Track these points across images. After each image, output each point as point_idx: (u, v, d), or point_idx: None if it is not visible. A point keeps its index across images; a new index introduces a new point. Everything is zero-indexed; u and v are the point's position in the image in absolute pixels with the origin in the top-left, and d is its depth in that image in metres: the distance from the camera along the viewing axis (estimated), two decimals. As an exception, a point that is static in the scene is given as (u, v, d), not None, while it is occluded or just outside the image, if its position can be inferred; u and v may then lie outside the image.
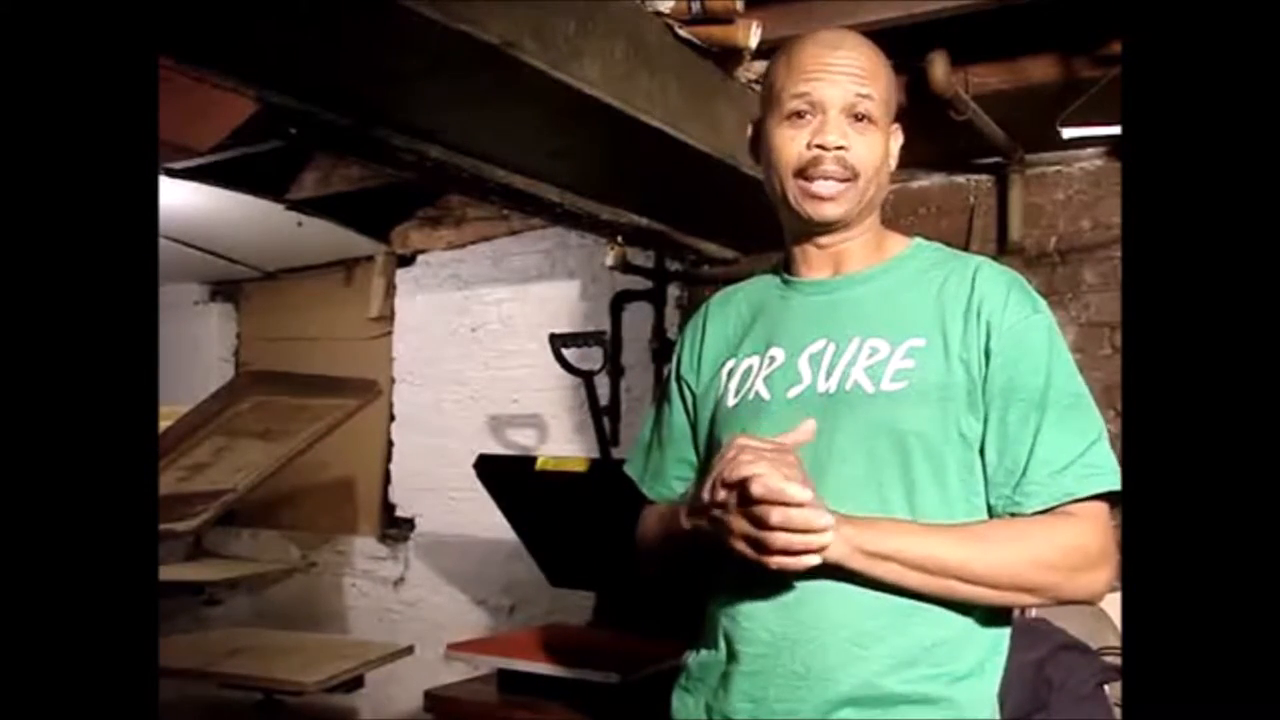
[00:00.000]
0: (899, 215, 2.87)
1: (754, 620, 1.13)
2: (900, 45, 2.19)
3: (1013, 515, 1.10)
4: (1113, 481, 1.09)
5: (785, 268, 1.28)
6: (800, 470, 1.03)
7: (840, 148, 1.15)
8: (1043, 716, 1.82)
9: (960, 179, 2.76)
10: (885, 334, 1.15)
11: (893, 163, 1.22)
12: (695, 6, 1.65)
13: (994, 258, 2.60)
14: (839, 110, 1.16)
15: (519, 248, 3.43)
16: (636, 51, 1.54)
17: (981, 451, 1.12)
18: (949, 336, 1.14)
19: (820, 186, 1.16)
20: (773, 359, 1.20)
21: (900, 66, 2.28)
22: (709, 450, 1.23)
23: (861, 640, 1.08)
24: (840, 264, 1.23)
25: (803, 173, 1.17)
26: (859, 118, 1.16)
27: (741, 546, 1.03)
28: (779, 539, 0.99)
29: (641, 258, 2.92)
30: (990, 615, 1.13)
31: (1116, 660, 1.94)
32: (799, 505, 0.98)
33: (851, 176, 1.16)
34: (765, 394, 1.19)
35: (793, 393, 1.17)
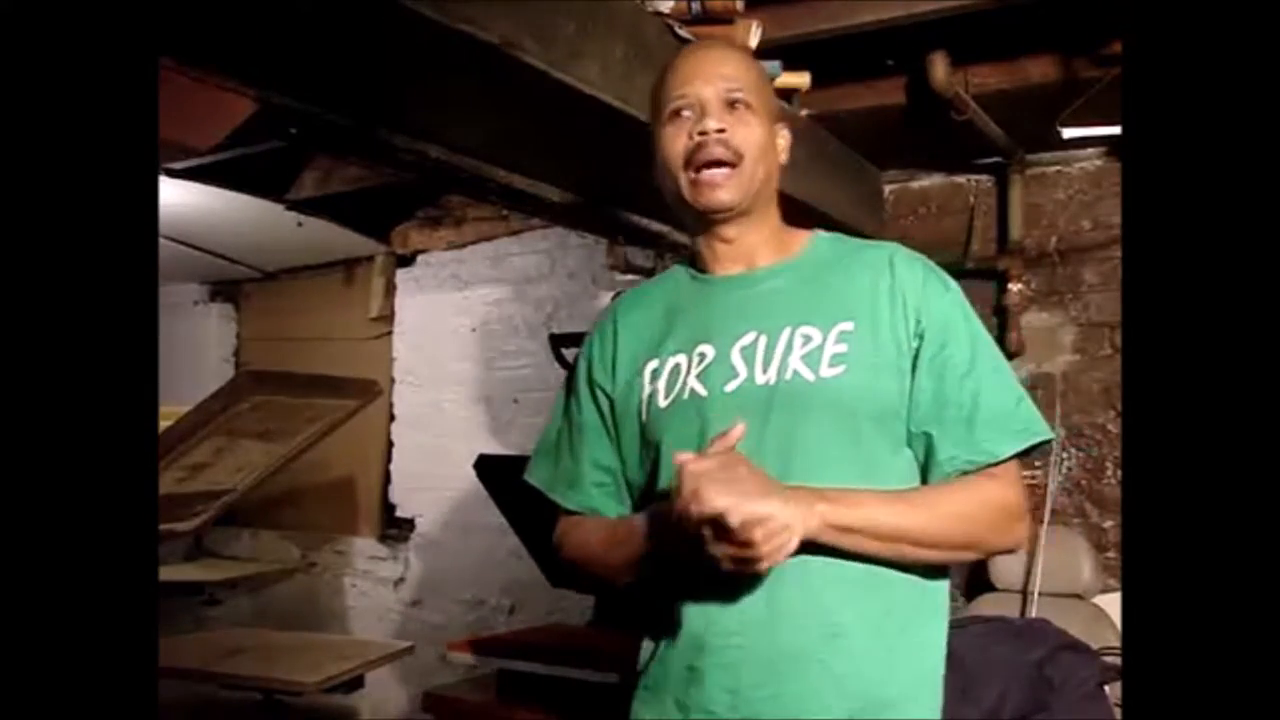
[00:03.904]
0: (899, 215, 2.87)
1: (722, 610, 1.14)
2: (900, 45, 2.20)
3: (964, 475, 1.16)
4: (1046, 432, 1.18)
5: (694, 266, 1.31)
6: (754, 474, 1.06)
7: (720, 130, 1.20)
8: (1043, 717, 1.82)
9: (960, 179, 2.76)
10: (815, 321, 1.19)
11: (783, 157, 1.29)
12: (695, 6, 1.65)
13: (995, 256, 2.64)
14: (715, 102, 1.21)
15: (519, 248, 3.44)
16: (636, 51, 1.54)
17: (924, 421, 1.18)
18: (877, 317, 1.19)
19: (707, 175, 1.21)
20: (703, 355, 1.21)
21: (900, 66, 2.31)
22: (641, 453, 1.25)
23: (830, 615, 1.12)
24: (752, 259, 1.27)
25: (690, 163, 1.21)
26: (734, 104, 1.21)
27: (729, 566, 1.05)
28: (764, 550, 1.02)
29: (641, 258, 2.92)
30: (932, 572, 1.20)
31: (1116, 660, 1.95)
32: (772, 518, 1.02)
33: (735, 160, 1.21)
34: (701, 390, 1.20)
35: (730, 386, 1.18)
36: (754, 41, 1.69)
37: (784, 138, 1.30)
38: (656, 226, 2.37)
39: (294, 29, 1.30)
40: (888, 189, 2.86)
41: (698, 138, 1.21)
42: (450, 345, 3.57)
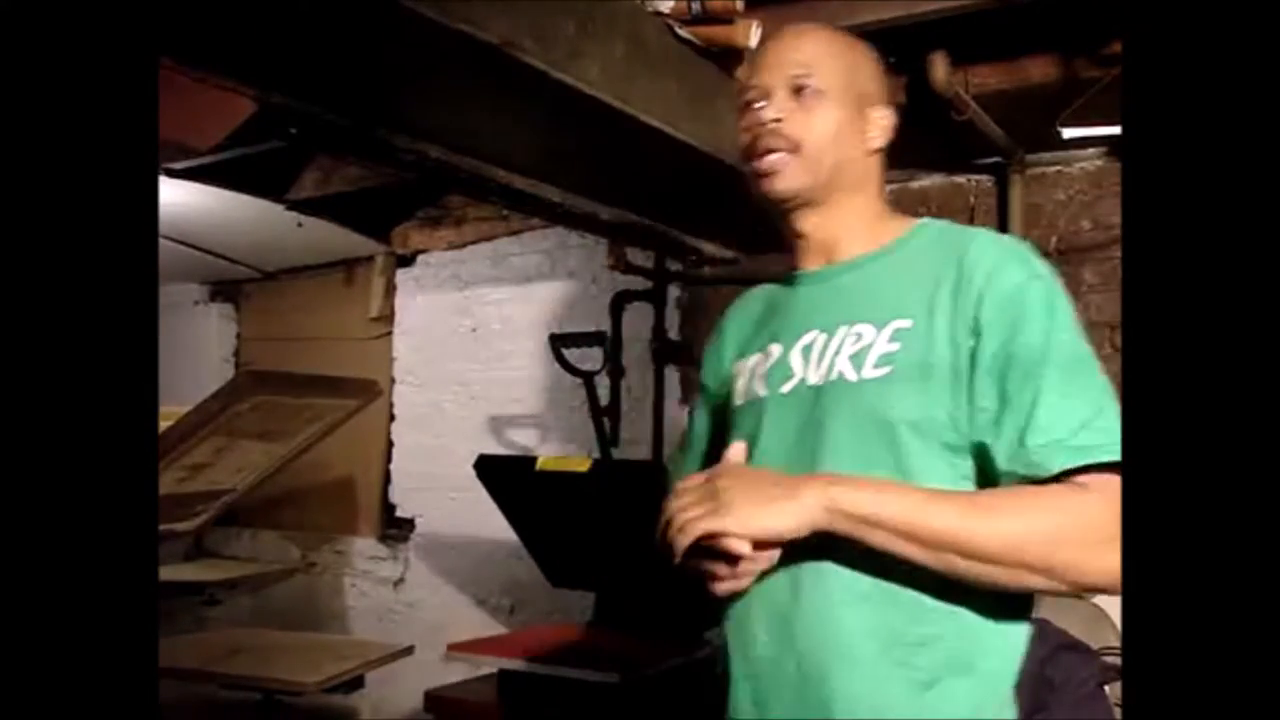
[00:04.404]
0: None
1: (752, 624, 1.12)
2: (900, 45, 2.19)
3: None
4: (1113, 452, 0.99)
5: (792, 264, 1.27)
6: (735, 485, 1.04)
7: (776, 120, 1.16)
8: (1043, 716, 1.82)
9: (960, 179, 2.76)
10: (871, 318, 1.12)
11: (876, 141, 1.21)
12: (695, 6, 1.64)
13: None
14: (780, 91, 1.17)
15: (519, 248, 3.43)
16: (636, 51, 1.54)
17: (982, 430, 1.05)
18: (936, 314, 1.08)
19: (763, 163, 1.17)
20: (769, 355, 1.20)
21: (900, 66, 2.30)
22: None
23: (854, 640, 1.05)
24: (833, 252, 1.21)
25: (749, 154, 1.19)
26: (800, 91, 1.16)
27: (725, 587, 1.06)
28: (746, 567, 1.03)
29: (641, 258, 2.92)
30: (995, 605, 1.05)
31: (1116, 660, 1.94)
32: (732, 534, 1.01)
33: (792, 148, 1.16)
34: (762, 391, 1.18)
35: (786, 388, 1.16)
36: (754, 42, 1.69)
37: (881, 118, 1.21)
38: (657, 226, 2.37)
39: (294, 29, 1.30)
40: (888, 189, 2.84)
41: (756, 129, 1.17)
42: (450, 345, 3.57)
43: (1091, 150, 2.51)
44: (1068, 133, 2.24)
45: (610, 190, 2.15)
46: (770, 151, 1.16)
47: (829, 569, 1.06)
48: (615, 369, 2.98)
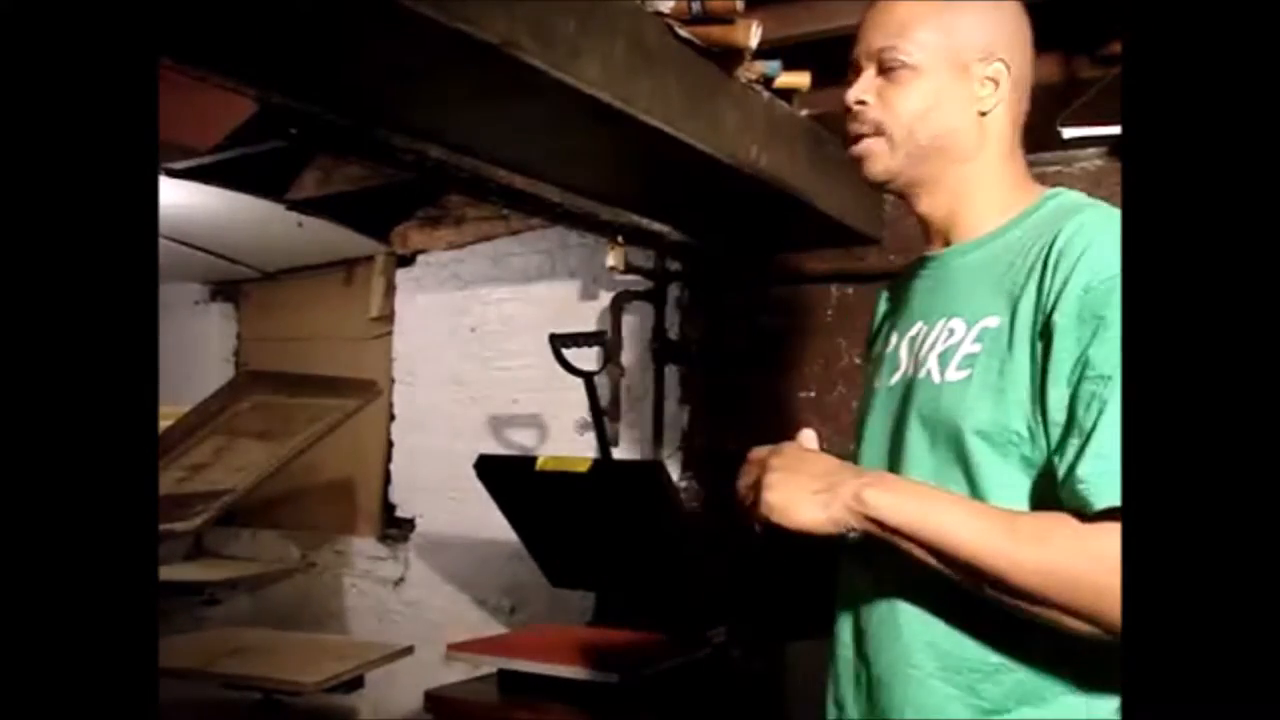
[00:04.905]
0: (899, 215, 2.86)
1: (839, 624, 1.12)
2: (900, 45, 2.19)
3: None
4: None
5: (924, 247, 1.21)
6: (763, 474, 1.04)
7: (860, 103, 1.11)
8: (1043, 716, 1.81)
9: (960, 179, 2.76)
10: (964, 312, 1.05)
11: (984, 103, 1.10)
12: (695, 6, 1.64)
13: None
14: (872, 66, 1.11)
15: (519, 248, 3.43)
16: (636, 51, 1.54)
17: (1053, 444, 0.96)
18: (1019, 312, 0.99)
19: (851, 149, 1.13)
20: (889, 344, 1.17)
21: (900, 66, 2.30)
22: None
23: (911, 656, 1.01)
24: (951, 233, 1.14)
25: (845, 139, 1.15)
26: (887, 69, 1.09)
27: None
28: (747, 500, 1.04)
29: (641, 258, 2.92)
30: (1055, 640, 0.94)
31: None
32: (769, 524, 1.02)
33: (876, 131, 1.10)
34: (875, 384, 1.16)
35: (892, 380, 1.12)
36: (754, 42, 1.69)
37: (993, 75, 1.09)
38: (657, 227, 2.37)
39: (294, 29, 1.30)
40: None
41: (844, 113, 1.12)
42: (450, 345, 3.57)
43: (1091, 150, 2.51)
44: (1068, 133, 2.24)
45: (610, 190, 2.15)
46: (859, 137, 1.12)
47: (904, 576, 1.02)
48: (615, 369, 2.98)
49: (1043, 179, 2.56)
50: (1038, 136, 2.46)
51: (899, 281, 1.28)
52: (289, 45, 1.36)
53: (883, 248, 2.54)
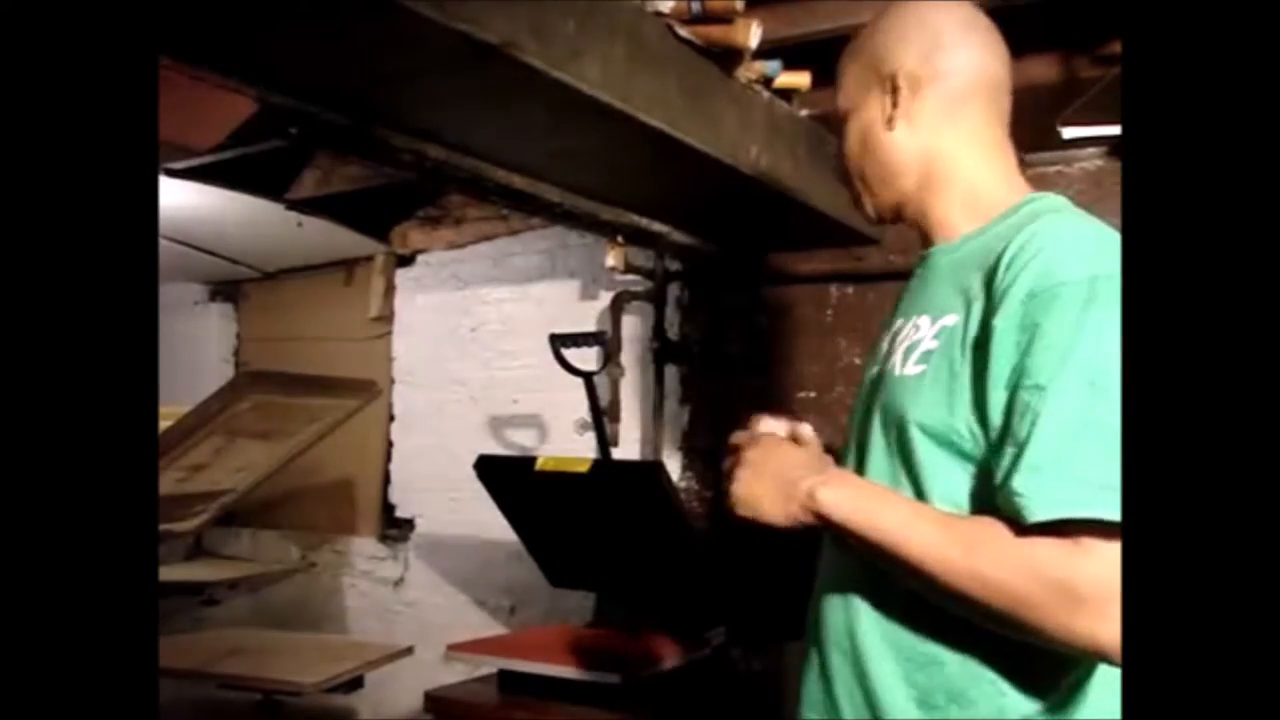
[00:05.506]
0: (899, 215, 2.87)
1: (813, 611, 1.15)
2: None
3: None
4: (1102, 508, 0.85)
5: None
6: (738, 463, 1.10)
7: (837, 156, 1.22)
8: (1043, 716, 1.81)
9: (960, 179, 2.76)
10: (930, 310, 1.07)
11: (890, 126, 1.12)
12: (695, 6, 1.64)
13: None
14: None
15: (519, 248, 3.43)
16: (636, 51, 1.54)
17: (993, 449, 0.95)
18: (971, 314, 1.00)
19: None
20: (880, 340, 1.20)
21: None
22: None
23: (861, 651, 1.05)
24: (934, 234, 1.17)
25: None
26: (838, 119, 1.21)
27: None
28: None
29: (641, 258, 2.92)
30: (985, 638, 0.96)
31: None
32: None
33: (855, 181, 1.21)
34: (864, 377, 1.21)
35: (871, 374, 1.17)
36: (754, 42, 1.69)
37: (893, 86, 1.11)
38: (657, 227, 2.37)
39: (294, 29, 1.30)
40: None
41: None
42: (450, 345, 3.57)
43: (1091, 150, 2.51)
44: (1068, 133, 2.24)
45: (610, 190, 2.15)
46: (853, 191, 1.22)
47: (858, 567, 1.05)
48: (615, 369, 2.98)
49: (1043, 179, 2.60)
50: (1038, 136, 2.49)
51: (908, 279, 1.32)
52: (289, 45, 1.36)
53: (882, 248, 2.54)
